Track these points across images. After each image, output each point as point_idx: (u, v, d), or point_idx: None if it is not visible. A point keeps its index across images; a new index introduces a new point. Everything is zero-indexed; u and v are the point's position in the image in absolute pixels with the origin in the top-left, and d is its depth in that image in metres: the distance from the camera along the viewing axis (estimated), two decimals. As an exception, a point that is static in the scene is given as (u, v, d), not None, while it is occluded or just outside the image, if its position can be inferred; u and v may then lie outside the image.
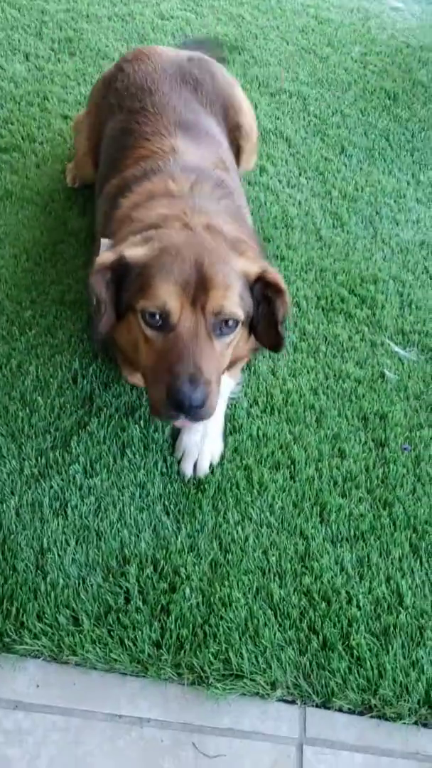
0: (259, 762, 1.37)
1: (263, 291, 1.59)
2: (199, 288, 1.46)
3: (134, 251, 1.51)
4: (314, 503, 1.71)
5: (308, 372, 1.99)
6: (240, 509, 1.67)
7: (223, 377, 1.78)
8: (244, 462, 1.76)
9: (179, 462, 1.73)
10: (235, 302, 1.49)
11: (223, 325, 1.50)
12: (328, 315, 2.15)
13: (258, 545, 1.62)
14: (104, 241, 1.70)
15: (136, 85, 2.06)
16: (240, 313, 1.51)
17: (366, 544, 1.65)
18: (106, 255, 1.54)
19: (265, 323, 1.63)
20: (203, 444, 1.73)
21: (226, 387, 1.81)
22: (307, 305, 2.17)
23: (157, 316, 1.46)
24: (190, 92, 2.13)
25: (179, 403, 1.42)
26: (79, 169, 2.33)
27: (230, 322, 1.51)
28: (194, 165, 1.83)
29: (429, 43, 3.58)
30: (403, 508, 1.72)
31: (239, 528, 1.64)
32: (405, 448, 1.84)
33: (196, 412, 1.45)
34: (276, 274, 1.60)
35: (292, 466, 1.77)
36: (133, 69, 2.12)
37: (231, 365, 1.69)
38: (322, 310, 2.16)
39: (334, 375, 1.99)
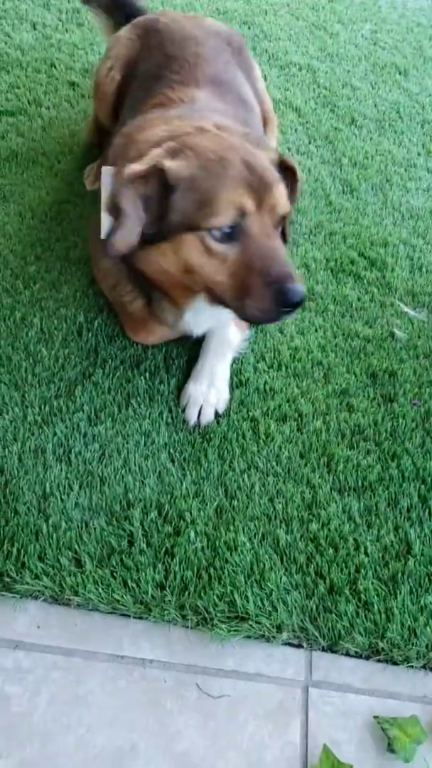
0: (264, 703, 1.34)
1: (283, 177, 1.54)
2: (261, 189, 1.43)
3: (174, 164, 1.42)
4: (321, 454, 1.68)
5: (316, 330, 1.96)
6: (246, 458, 1.65)
7: (233, 328, 1.77)
8: (250, 414, 1.74)
9: (184, 410, 1.70)
10: (285, 197, 1.49)
11: (281, 221, 1.50)
12: (338, 276, 2.13)
13: (264, 493, 1.59)
14: (106, 169, 1.54)
15: (182, 32, 2.02)
16: (289, 211, 1.52)
17: (374, 494, 1.62)
18: (136, 166, 1.43)
19: None
20: (209, 393, 1.70)
21: (235, 339, 1.79)
22: (316, 266, 2.14)
23: (230, 226, 1.41)
24: (232, 55, 2.10)
25: (295, 302, 1.40)
26: (97, 112, 2.27)
27: (283, 218, 1.51)
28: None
29: (439, 22, 3.56)
30: (412, 460, 1.69)
31: (245, 476, 1.61)
32: (414, 404, 1.81)
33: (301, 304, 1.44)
34: (292, 160, 1.63)
35: (299, 419, 1.74)
36: (180, 18, 2.11)
37: None
38: (331, 271, 2.14)
39: (343, 333, 1.96)
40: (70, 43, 2.88)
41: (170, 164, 1.41)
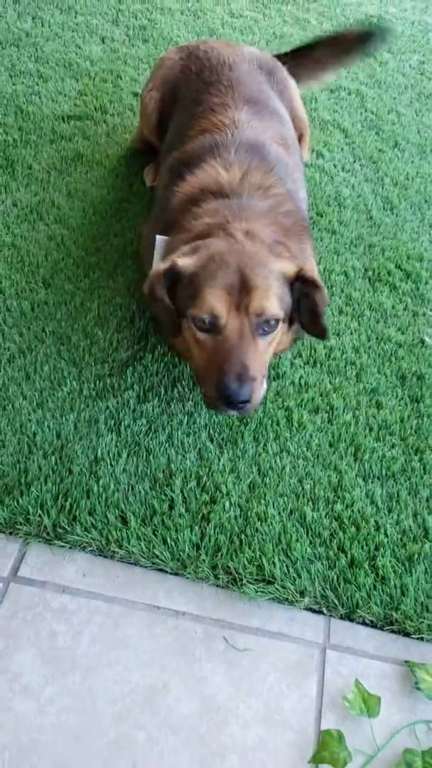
0: (284, 659, 1.47)
1: (302, 288, 1.65)
2: (242, 292, 1.56)
3: (184, 261, 1.61)
4: (349, 444, 1.81)
5: (351, 333, 2.10)
6: (279, 443, 1.79)
7: None
8: (285, 404, 1.87)
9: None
10: (274, 303, 1.58)
11: (265, 324, 1.59)
12: (374, 285, 2.27)
13: (294, 474, 1.73)
14: (159, 239, 1.82)
15: (219, 58, 2.22)
16: (280, 313, 1.60)
17: (396, 483, 1.75)
18: (161, 265, 1.65)
19: (309, 315, 1.69)
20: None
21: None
22: (354, 275, 2.28)
23: (207, 321, 1.57)
24: (264, 76, 2.30)
25: (227, 399, 1.52)
26: (144, 129, 2.46)
27: (272, 322, 1.60)
28: (253, 140, 1.95)
29: None
30: (434, 455, 1.82)
31: (277, 458, 1.75)
32: (439, 405, 1.94)
33: (243, 406, 1.55)
34: (312, 272, 1.68)
35: (330, 411, 1.88)
36: (216, 46, 2.30)
37: (274, 356, 1.80)
38: (369, 280, 2.28)
39: (376, 337, 2.10)
40: (136, 57, 3.08)
41: (181, 261, 1.61)
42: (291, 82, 2.47)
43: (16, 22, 3.18)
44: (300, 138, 2.47)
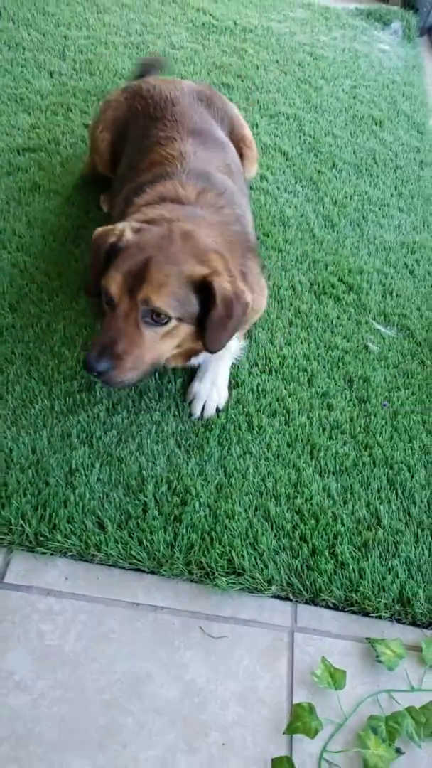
0: (256, 643, 1.60)
1: (206, 295, 1.74)
2: (137, 281, 1.68)
3: (127, 235, 1.75)
4: (305, 443, 1.96)
5: (302, 342, 2.26)
6: (242, 445, 1.92)
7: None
8: (245, 410, 2.02)
9: (190, 404, 1.98)
10: (164, 299, 1.68)
11: (153, 315, 1.70)
12: (320, 298, 2.43)
13: (257, 473, 1.86)
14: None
15: (161, 95, 2.37)
16: (169, 311, 1.69)
17: (349, 477, 1.90)
18: (115, 228, 1.79)
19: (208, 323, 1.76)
20: (211, 391, 1.98)
21: (233, 346, 2.08)
22: (301, 289, 2.45)
23: (106, 295, 1.73)
24: (204, 108, 2.46)
25: (84, 363, 1.67)
26: (98, 163, 2.60)
27: (162, 317, 1.70)
28: (200, 169, 2.11)
29: (412, 81, 3.96)
30: (382, 450, 1.98)
31: (241, 460, 1.89)
32: (384, 405, 2.11)
33: (101, 376, 1.68)
34: (220, 283, 1.72)
35: (286, 415, 2.03)
36: (156, 84, 2.46)
37: (188, 356, 1.91)
38: (315, 293, 2.45)
39: (324, 345, 2.26)
40: (84, 90, 3.22)
41: (126, 236, 1.75)
42: (230, 105, 2.64)
43: (-34, 59, 3.29)
44: (244, 156, 2.63)
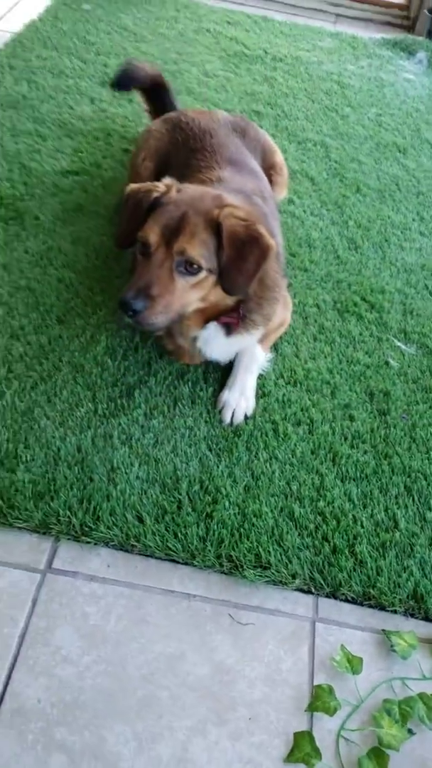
0: (281, 631, 1.74)
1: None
2: (173, 233, 1.88)
3: (168, 197, 1.97)
4: (328, 451, 2.11)
5: (325, 357, 2.42)
6: (268, 451, 2.08)
7: (259, 349, 2.22)
8: (271, 418, 2.17)
9: (220, 412, 2.14)
10: (197, 250, 1.88)
11: (186, 265, 1.89)
12: (343, 315, 2.59)
13: (282, 477, 2.02)
14: None
15: (200, 128, 2.55)
16: (201, 261, 1.89)
17: (369, 483, 2.05)
18: (162, 185, 2.01)
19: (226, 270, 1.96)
20: (240, 399, 2.14)
21: (261, 357, 2.25)
22: (325, 307, 2.61)
23: (144, 247, 1.91)
24: (239, 138, 2.64)
25: (121, 302, 1.84)
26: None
27: (194, 266, 1.89)
28: (237, 188, 2.29)
29: (435, 109, 4.13)
30: (400, 459, 2.12)
31: (267, 464, 2.04)
32: (403, 417, 2.25)
33: (134, 315, 1.85)
34: (229, 221, 1.92)
35: (310, 424, 2.18)
36: (195, 116, 2.64)
37: (206, 316, 2.08)
38: (338, 311, 2.61)
39: (347, 360, 2.42)
40: (123, 116, 3.42)
41: (165, 197, 1.97)
42: (262, 133, 2.83)
43: (14, 86, 3.50)
44: (275, 182, 2.81)
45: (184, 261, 1.89)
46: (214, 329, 2.13)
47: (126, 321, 1.90)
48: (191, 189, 2.03)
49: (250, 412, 2.16)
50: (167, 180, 2.05)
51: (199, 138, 2.51)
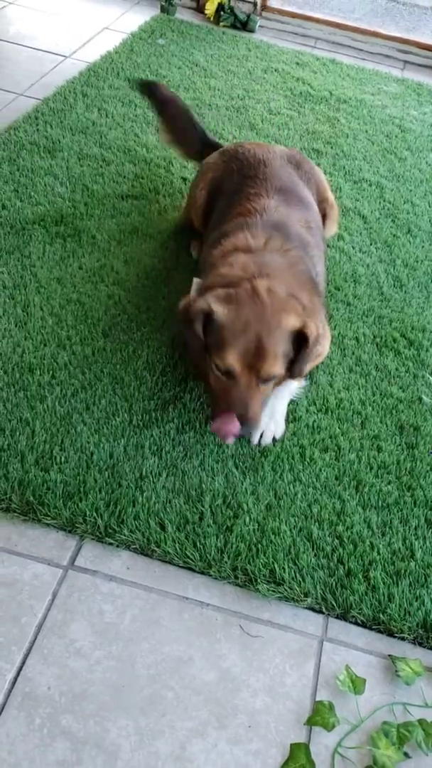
0: (288, 646, 1.79)
1: (299, 338, 2.05)
2: (255, 356, 1.98)
3: (218, 307, 2.00)
4: (352, 478, 2.16)
5: (359, 388, 2.47)
6: (293, 473, 2.14)
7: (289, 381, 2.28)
8: (299, 442, 2.23)
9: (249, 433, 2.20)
10: (279, 364, 2.01)
11: (267, 379, 2.04)
12: (381, 350, 2.64)
13: (304, 499, 2.07)
14: (196, 280, 2.28)
15: (255, 157, 2.66)
16: (282, 371, 2.04)
17: (390, 513, 2.08)
18: (201, 302, 2.03)
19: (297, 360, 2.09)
20: (269, 423, 2.21)
21: (292, 385, 2.31)
22: (364, 340, 2.67)
23: (225, 371, 2.01)
24: (293, 169, 2.74)
25: (239, 436, 2.03)
26: (193, 218, 2.91)
27: (274, 377, 2.05)
28: (276, 221, 2.37)
29: None
30: (423, 493, 2.15)
31: (291, 486, 2.10)
32: (431, 452, 2.28)
33: (241, 438, 2.06)
34: (310, 330, 2.03)
35: (337, 451, 2.23)
36: (251, 147, 2.75)
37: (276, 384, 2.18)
38: (377, 345, 2.66)
39: (380, 393, 2.46)
40: (185, 147, 3.57)
41: (215, 307, 2.01)
42: (317, 170, 2.92)
43: (85, 113, 3.70)
44: (326, 216, 2.89)
45: (268, 377, 2.03)
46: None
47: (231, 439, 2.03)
48: (243, 299, 2.02)
49: (279, 435, 2.22)
50: (206, 298, 2.05)
51: (253, 166, 2.62)
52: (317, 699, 1.69)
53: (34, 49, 4.33)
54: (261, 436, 2.20)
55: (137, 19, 4.94)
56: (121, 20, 4.91)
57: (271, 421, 2.23)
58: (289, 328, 2.01)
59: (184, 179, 3.34)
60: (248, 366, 1.99)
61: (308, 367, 2.18)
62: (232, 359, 1.98)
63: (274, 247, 2.26)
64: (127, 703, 1.63)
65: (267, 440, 2.20)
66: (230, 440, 2.02)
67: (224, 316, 2.00)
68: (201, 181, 2.81)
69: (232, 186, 2.63)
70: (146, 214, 3.07)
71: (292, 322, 2.02)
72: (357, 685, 1.70)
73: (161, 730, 1.60)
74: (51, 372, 2.30)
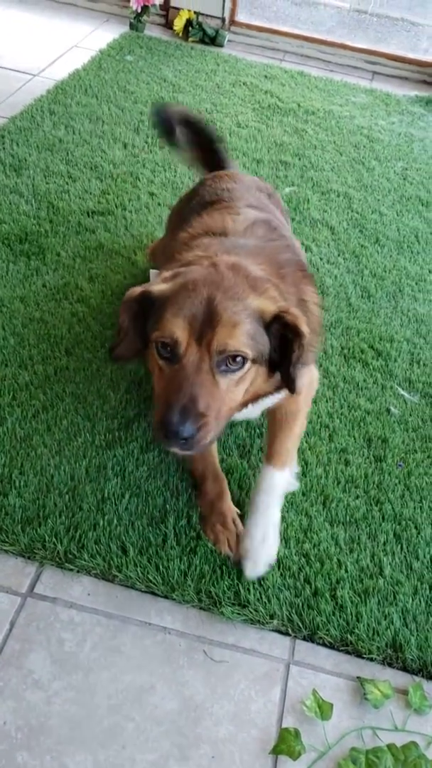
0: (254, 671, 1.74)
1: (281, 330, 1.59)
2: (206, 324, 1.49)
3: (159, 287, 1.60)
4: (319, 494, 2.12)
5: (327, 401, 2.44)
6: (259, 491, 2.10)
7: (276, 471, 1.92)
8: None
9: (238, 563, 1.88)
10: (241, 340, 1.50)
11: (229, 361, 1.51)
12: (349, 361, 2.62)
13: (271, 517, 2.03)
14: (152, 272, 2.12)
15: (218, 189, 2.20)
16: (247, 351, 1.52)
17: (358, 528, 2.05)
18: (134, 289, 1.67)
19: (283, 361, 1.62)
20: (261, 547, 1.86)
21: (280, 483, 1.93)
22: (332, 352, 2.64)
23: (168, 348, 1.53)
24: (264, 197, 2.28)
25: (167, 432, 1.45)
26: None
27: (237, 359, 1.52)
28: (256, 215, 1.98)
29: (464, 165, 4.18)
30: (392, 506, 2.12)
31: (257, 504, 2.06)
32: (399, 465, 2.25)
33: (185, 443, 1.47)
34: (295, 317, 1.57)
35: (304, 466, 2.20)
36: (214, 181, 2.28)
37: (253, 400, 1.70)
38: (344, 357, 2.63)
39: (348, 405, 2.43)
40: (153, 161, 3.55)
41: (156, 287, 1.60)
42: (283, 205, 2.57)
43: (52, 130, 3.67)
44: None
45: (227, 357, 1.52)
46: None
47: (174, 451, 1.54)
48: (195, 269, 1.62)
49: (274, 558, 1.90)
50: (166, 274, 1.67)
51: (216, 194, 2.19)
52: (283, 726, 1.64)
53: (1, 68, 4.30)
54: (250, 563, 1.86)
55: (106, 36, 4.93)
56: (90, 38, 4.90)
57: (264, 544, 1.87)
58: (255, 308, 1.55)
59: (152, 194, 3.31)
60: (196, 337, 1.50)
61: (302, 398, 1.79)
62: (174, 325, 1.50)
63: (256, 234, 1.87)
64: (86, 735, 1.58)
65: (260, 570, 1.86)
66: (176, 447, 1.51)
67: (165, 289, 1.58)
68: (169, 225, 2.51)
69: (200, 201, 2.22)
70: (112, 230, 3.03)
71: (263, 303, 1.57)
72: (324, 710, 1.66)
73: (121, 764, 1.54)
74: (12, 393, 2.25)
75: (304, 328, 1.57)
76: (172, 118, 2.67)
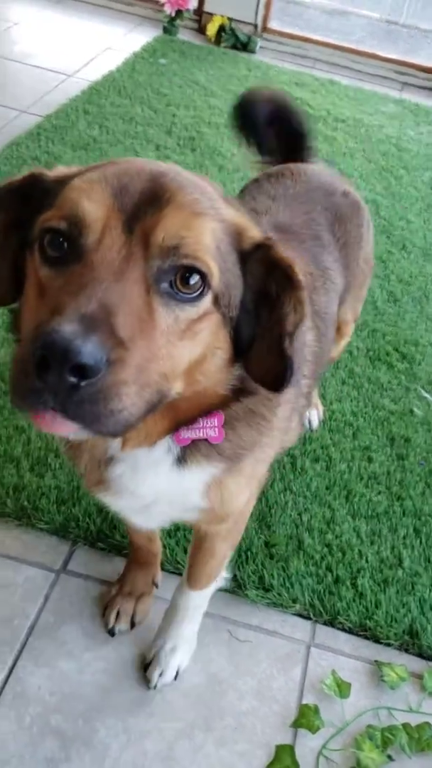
0: (276, 651, 1.81)
1: (264, 282, 0.97)
2: (145, 202, 0.87)
3: (63, 168, 1.04)
4: (342, 488, 2.19)
5: (351, 400, 2.51)
6: (284, 483, 2.17)
7: (193, 592, 1.61)
8: (290, 452, 2.27)
9: (146, 668, 1.72)
10: (204, 243, 0.88)
11: (178, 279, 0.87)
12: (374, 363, 2.69)
13: (295, 508, 2.10)
14: None
15: (267, 193, 1.72)
16: (211, 265, 0.89)
17: (379, 522, 2.12)
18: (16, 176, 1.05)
19: (265, 337, 0.98)
20: (170, 658, 1.71)
21: (200, 600, 1.69)
22: (357, 353, 2.71)
23: (65, 238, 0.86)
24: (324, 218, 1.69)
25: (45, 344, 0.73)
26: None
27: (193, 279, 0.87)
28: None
29: None
30: (413, 502, 2.18)
31: (281, 495, 2.13)
32: (421, 464, 2.32)
33: (80, 388, 0.74)
34: (287, 256, 0.97)
35: (328, 461, 2.27)
36: (269, 183, 1.77)
37: (189, 410, 1.02)
38: (369, 359, 2.70)
39: (372, 405, 2.50)
40: (184, 163, 3.64)
41: (57, 170, 1.04)
42: (369, 236, 2.09)
43: (86, 129, 3.78)
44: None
45: (177, 267, 0.87)
46: (161, 450, 1.08)
47: (47, 403, 0.77)
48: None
49: (184, 666, 1.73)
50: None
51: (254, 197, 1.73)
52: (303, 702, 1.71)
53: (37, 67, 4.42)
54: (156, 672, 1.70)
55: (140, 39, 5.04)
56: (124, 40, 5.01)
57: (172, 654, 1.71)
58: (230, 219, 0.96)
59: (183, 195, 3.40)
60: (125, 218, 0.86)
61: (295, 364, 0.98)
62: (82, 194, 0.87)
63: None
64: (117, 702, 1.66)
65: (167, 679, 1.70)
66: (60, 397, 0.75)
67: (72, 170, 1.02)
68: None
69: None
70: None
71: (242, 219, 1.00)
72: (343, 689, 1.73)
73: (149, 731, 1.62)
74: None
75: (300, 277, 0.96)
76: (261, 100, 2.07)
